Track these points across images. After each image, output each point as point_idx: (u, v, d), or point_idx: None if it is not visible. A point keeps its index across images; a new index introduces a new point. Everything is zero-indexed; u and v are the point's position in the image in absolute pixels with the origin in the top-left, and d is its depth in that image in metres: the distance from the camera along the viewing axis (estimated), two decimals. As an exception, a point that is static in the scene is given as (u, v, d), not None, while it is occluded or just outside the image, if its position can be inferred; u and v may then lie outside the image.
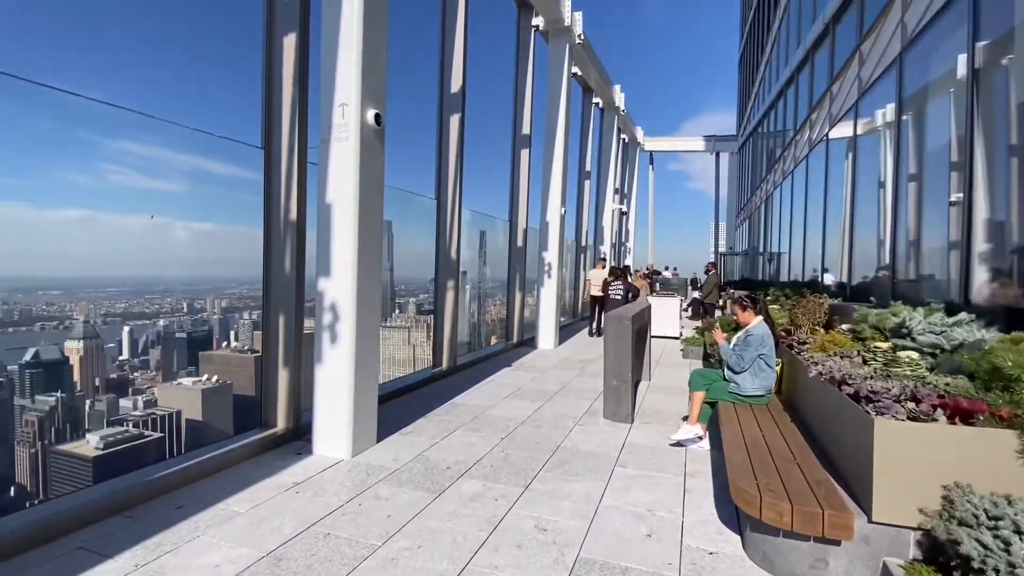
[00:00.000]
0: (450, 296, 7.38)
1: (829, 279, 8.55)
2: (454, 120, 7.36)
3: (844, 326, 4.16)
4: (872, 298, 5.00)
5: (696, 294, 16.27)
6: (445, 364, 7.39)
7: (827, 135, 8.62)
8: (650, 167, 27.56)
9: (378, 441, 4.41)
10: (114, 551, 2.70)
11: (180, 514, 3.12)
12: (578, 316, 16.34)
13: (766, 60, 17.10)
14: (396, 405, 5.65)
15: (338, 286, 4.01)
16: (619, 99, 16.60)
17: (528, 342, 10.53)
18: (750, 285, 14.64)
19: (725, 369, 4.19)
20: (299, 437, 4.47)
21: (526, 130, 10.30)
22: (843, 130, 7.82)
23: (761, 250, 20.06)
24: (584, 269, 16.80)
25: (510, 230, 10.43)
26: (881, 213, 6.23)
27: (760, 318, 4.12)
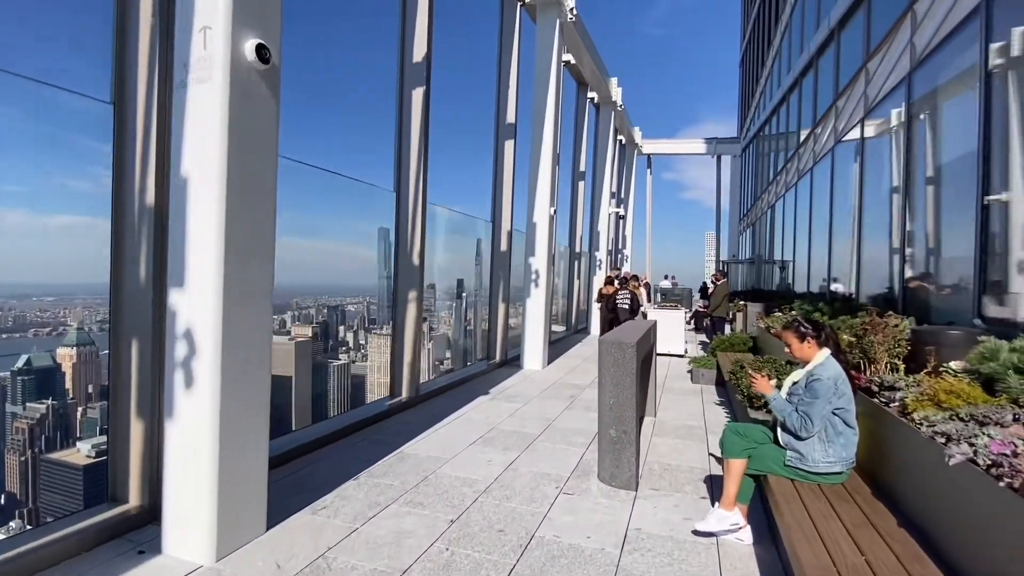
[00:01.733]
0: (411, 310, 6.02)
1: (859, 289, 7.26)
2: (417, 95, 6.04)
3: (954, 364, 2.82)
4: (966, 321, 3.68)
5: (701, 304, 14.87)
6: (405, 393, 6.02)
7: (863, 120, 7.34)
8: (648, 171, 26.37)
9: (270, 526, 3.02)
10: None
11: None
12: (571, 328, 14.99)
13: (775, 51, 15.94)
14: (327, 455, 4.27)
15: (195, 303, 2.65)
16: (616, 94, 15.37)
17: (513, 361, 9.17)
18: (761, 296, 13.29)
19: (779, 431, 2.83)
20: (157, 518, 3.08)
21: (511, 119, 9.00)
22: (884, 120, 6.56)
23: (767, 258, 18.83)
24: (578, 277, 15.50)
25: (493, 232, 9.11)
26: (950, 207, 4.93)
27: (827, 352, 2.78)
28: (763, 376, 2.98)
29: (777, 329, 6.57)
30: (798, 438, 2.67)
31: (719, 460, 4.25)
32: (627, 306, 10.14)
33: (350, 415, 5.46)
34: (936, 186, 5.29)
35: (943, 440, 2.04)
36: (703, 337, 14.39)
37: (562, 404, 6.24)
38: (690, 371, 8.25)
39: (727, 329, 11.39)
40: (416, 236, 6.00)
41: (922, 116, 5.49)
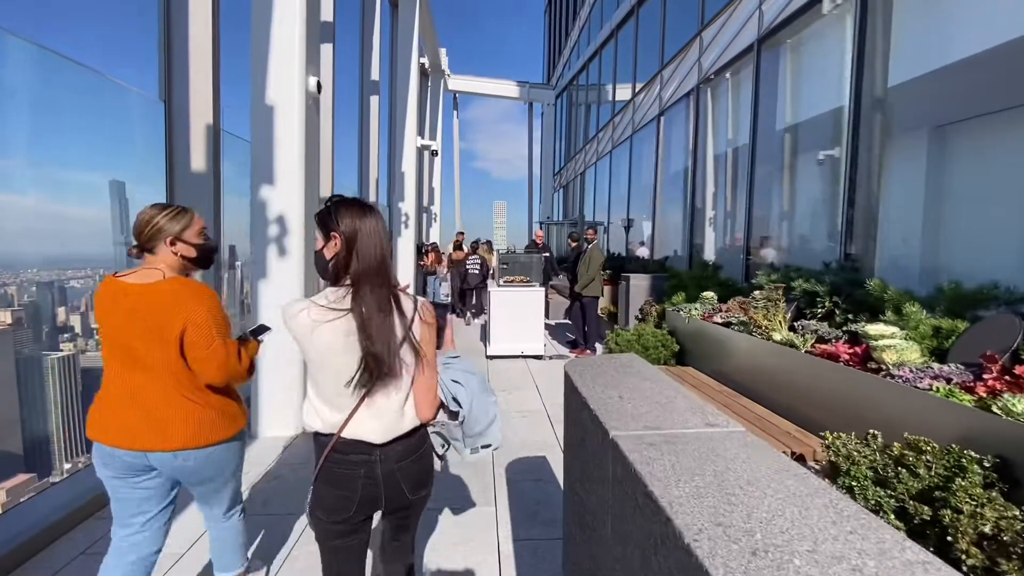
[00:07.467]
0: None
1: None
2: None
3: None
4: None
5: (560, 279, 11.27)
6: None
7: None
8: (454, 113, 22.16)
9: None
10: None
11: None
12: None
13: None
14: None
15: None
16: (422, -31, 10.59)
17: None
18: (624, 266, 10.38)
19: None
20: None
21: None
22: None
23: (598, 220, 16.76)
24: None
25: (166, 122, 3.80)
26: None
27: None
28: None
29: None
30: None
31: None
32: (477, 271, 9.75)
33: None
34: None
35: None
36: (547, 320, 11.03)
37: None
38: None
39: (593, 310, 8.16)
40: None
41: None
